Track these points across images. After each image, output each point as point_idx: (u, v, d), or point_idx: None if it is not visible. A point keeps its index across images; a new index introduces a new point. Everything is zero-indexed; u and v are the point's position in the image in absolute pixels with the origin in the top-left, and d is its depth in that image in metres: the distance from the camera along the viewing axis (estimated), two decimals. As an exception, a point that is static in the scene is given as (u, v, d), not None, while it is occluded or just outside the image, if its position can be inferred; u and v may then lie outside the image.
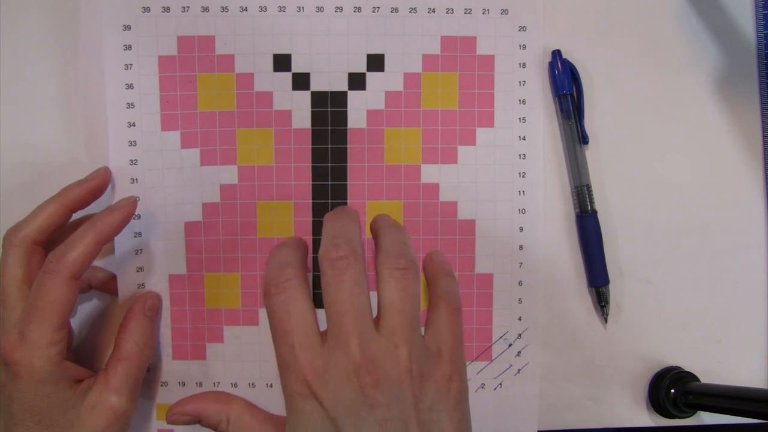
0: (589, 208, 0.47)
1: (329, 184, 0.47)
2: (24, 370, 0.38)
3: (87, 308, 0.46)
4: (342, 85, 0.47)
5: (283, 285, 0.37)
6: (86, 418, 0.40)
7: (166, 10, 0.45)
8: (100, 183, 0.44)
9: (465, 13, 0.47)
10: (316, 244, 0.47)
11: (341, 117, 0.47)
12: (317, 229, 0.47)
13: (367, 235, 0.45)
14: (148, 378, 0.46)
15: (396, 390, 0.36)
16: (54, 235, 0.43)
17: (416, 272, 0.38)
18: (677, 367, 0.48)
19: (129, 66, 0.45)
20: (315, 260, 0.47)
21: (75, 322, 0.47)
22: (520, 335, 0.48)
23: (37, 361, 0.39)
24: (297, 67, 0.46)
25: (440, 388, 0.37)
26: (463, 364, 0.40)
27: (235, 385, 0.47)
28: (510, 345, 0.48)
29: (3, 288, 0.41)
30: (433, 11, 0.46)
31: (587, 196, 0.47)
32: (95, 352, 0.47)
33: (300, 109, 0.47)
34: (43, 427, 0.39)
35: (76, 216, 0.44)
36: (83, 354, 0.47)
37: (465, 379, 0.40)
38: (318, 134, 0.47)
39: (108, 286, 0.47)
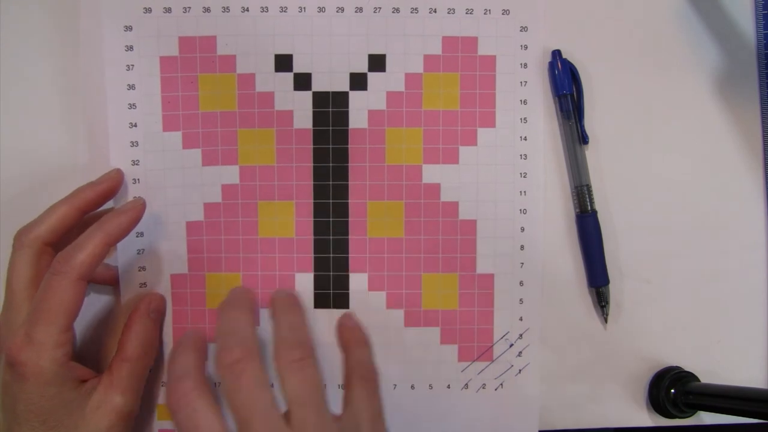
0: (589, 208, 0.47)
1: (330, 184, 0.47)
2: (30, 371, 0.38)
3: (90, 309, 0.47)
4: (343, 85, 0.47)
5: (183, 400, 0.37)
6: (91, 418, 0.40)
7: (168, 10, 0.45)
8: (112, 185, 0.45)
9: (466, 13, 0.47)
10: (317, 244, 0.47)
11: (343, 117, 0.47)
12: (319, 229, 0.47)
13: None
14: (149, 378, 0.46)
15: None
16: (65, 237, 0.43)
17: (313, 357, 0.38)
18: (677, 367, 0.48)
19: (130, 67, 0.45)
20: (316, 260, 0.47)
21: (78, 323, 0.46)
22: (521, 335, 0.48)
23: (44, 362, 0.39)
24: (298, 67, 0.46)
25: None
26: None
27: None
28: (511, 345, 0.48)
29: (11, 288, 0.41)
30: (435, 11, 0.47)
31: (587, 196, 0.47)
32: (98, 352, 0.47)
33: (301, 109, 0.47)
34: (48, 427, 0.39)
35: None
36: (86, 354, 0.47)
37: None
38: (319, 134, 0.47)
39: (106, 277, 0.47)
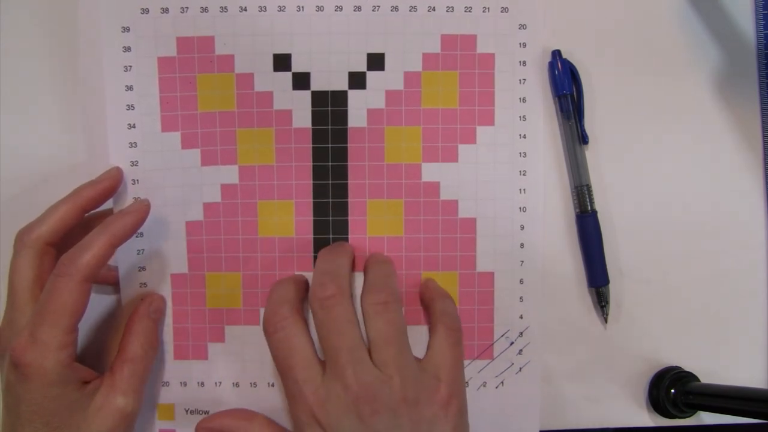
0: (589, 208, 0.47)
1: (330, 183, 0.47)
2: (34, 371, 0.38)
3: (90, 309, 0.46)
4: (342, 84, 0.47)
5: (280, 324, 0.41)
6: (93, 419, 0.41)
7: (165, 11, 0.45)
8: (112, 183, 0.45)
9: (465, 11, 0.46)
10: (317, 243, 0.47)
11: (342, 116, 0.47)
12: (318, 228, 0.47)
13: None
14: (149, 378, 0.46)
15: (394, 418, 0.38)
16: (66, 236, 0.43)
17: (398, 303, 0.41)
18: (677, 367, 0.48)
19: (128, 68, 0.45)
20: (316, 260, 0.47)
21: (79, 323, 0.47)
22: (521, 333, 0.48)
23: (48, 363, 0.39)
24: (297, 66, 0.46)
25: (437, 412, 0.40)
26: (462, 384, 0.43)
27: (237, 384, 0.47)
28: (512, 343, 0.48)
29: (13, 289, 0.42)
30: (434, 10, 0.46)
31: (587, 196, 0.47)
32: (99, 352, 0.47)
33: (300, 108, 0.46)
34: (51, 428, 0.39)
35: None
36: (87, 355, 0.47)
37: (464, 400, 0.42)
38: (318, 133, 0.47)
39: (106, 278, 0.47)
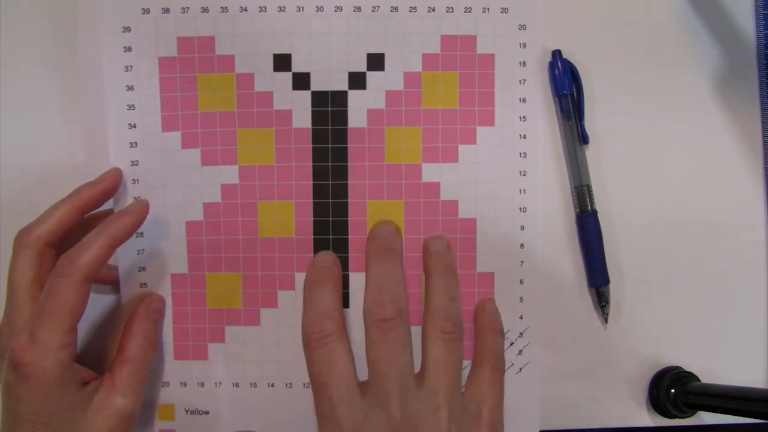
0: (589, 208, 0.47)
1: (330, 184, 0.47)
2: (33, 372, 0.38)
3: (90, 309, 0.46)
4: (342, 84, 0.47)
5: (324, 339, 0.39)
6: (93, 420, 0.41)
7: (166, 11, 0.45)
8: (112, 184, 0.45)
9: (465, 11, 0.46)
10: (317, 243, 0.47)
11: (342, 116, 0.47)
12: (318, 228, 0.47)
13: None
14: (149, 378, 0.46)
15: None
16: (65, 237, 0.43)
17: (462, 334, 0.41)
18: (677, 367, 0.48)
19: (129, 68, 0.45)
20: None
21: (78, 323, 0.47)
22: (521, 334, 0.48)
23: (47, 364, 0.38)
24: (297, 66, 0.46)
25: None
26: (502, 425, 0.42)
27: (237, 384, 0.47)
28: (511, 343, 0.48)
29: (13, 289, 0.42)
30: (433, 10, 0.46)
31: (587, 196, 0.47)
32: (99, 352, 0.47)
33: (300, 108, 0.47)
34: (51, 429, 0.39)
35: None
36: (87, 355, 0.47)
37: None
38: (318, 134, 0.47)
39: (106, 278, 0.47)
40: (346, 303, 0.47)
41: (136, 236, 0.46)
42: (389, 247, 0.44)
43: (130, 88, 0.45)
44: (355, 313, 0.47)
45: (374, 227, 0.46)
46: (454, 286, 0.43)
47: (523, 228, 0.47)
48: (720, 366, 0.49)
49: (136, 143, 0.46)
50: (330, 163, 0.47)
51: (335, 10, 0.46)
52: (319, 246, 0.47)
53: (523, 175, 0.47)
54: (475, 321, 0.46)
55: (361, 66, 0.47)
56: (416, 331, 0.47)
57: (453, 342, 0.40)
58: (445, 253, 0.45)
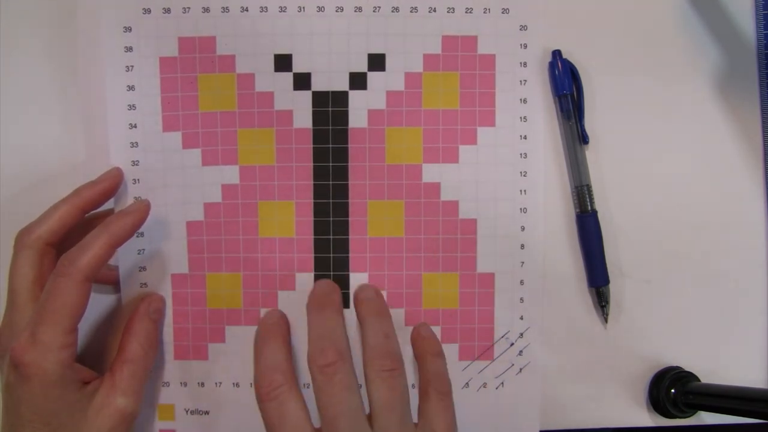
0: (589, 208, 0.47)
1: (330, 184, 0.47)
2: (34, 372, 0.38)
3: (91, 309, 0.46)
4: (343, 84, 0.47)
5: (275, 392, 0.39)
6: (93, 420, 0.41)
7: (167, 11, 0.45)
8: (112, 184, 0.45)
9: (466, 12, 0.46)
10: (317, 243, 0.47)
11: (342, 117, 0.47)
12: (319, 228, 0.47)
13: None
14: (149, 378, 0.46)
15: None
16: (66, 237, 0.43)
17: (402, 368, 0.41)
18: (677, 367, 0.48)
19: (130, 68, 0.45)
20: (317, 260, 0.47)
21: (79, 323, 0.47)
22: (521, 334, 0.48)
23: (48, 364, 0.38)
24: (298, 67, 0.46)
25: None
26: None
27: (237, 384, 0.47)
28: (512, 344, 0.48)
29: (14, 289, 0.42)
30: (434, 10, 0.46)
31: (587, 196, 0.47)
32: (99, 352, 0.47)
33: (301, 109, 0.47)
34: (51, 429, 0.39)
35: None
36: (87, 355, 0.47)
37: None
38: (319, 134, 0.47)
39: (106, 278, 0.47)
40: (346, 304, 0.47)
41: (137, 236, 0.46)
42: (325, 301, 0.44)
43: (130, 88, 0.45)
44: (355, 314, 0.47)
45: (314, 286, 0.46)
46: (387, 325, 0.44)
47: (523, 229, 0.47)
48: (720, 366, 0.49)
49: (136, 143, 0.46)
50: (331, 164, 0.47)
51: (336, 11, 0.46)
52: (319, 246, 0.47)
53: (524, 175, 0.47)
54: (414, 347, 0.46)
55: (362, 66, 0.47)
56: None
57: (394, 379, 0.40)
58: (374, 300, 0.46)
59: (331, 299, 0.44)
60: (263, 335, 0.43)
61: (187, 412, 0.48)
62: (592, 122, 0.48)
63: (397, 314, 0.47)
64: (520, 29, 0.47)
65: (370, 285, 0.47)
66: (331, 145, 0.47)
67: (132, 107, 0.46)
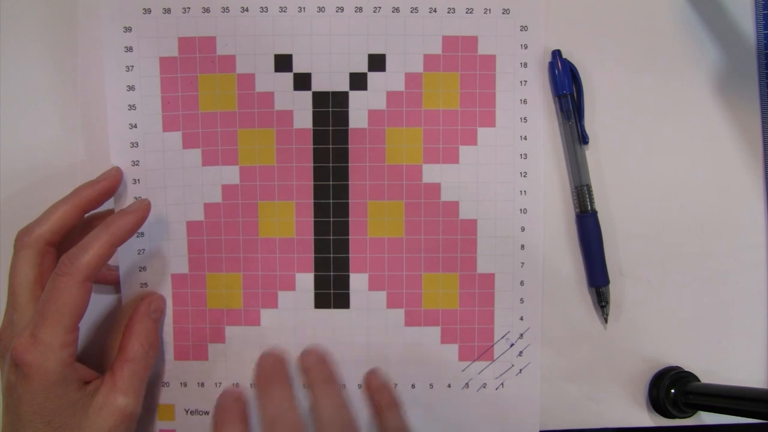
0: (589, 208, 0.47)
1: (331, 184, 0.47)
2: (36, 371, 0.38)
3: (91, 309, 0.46)
4: (343, 85, 0.47)
5: None
6: (94, 419, 0.41)
7: (167, 11, 0.45)
8: (112, 183, 0.45)
9: (466, 12, 0.47)
10: (317, 244, 0.47)
11: (343, 117, 0.47)
12: (319, 229, 0.47)
13: None
14: (149, 378, 0.46)
15: None
16: (66, 236, 0.43)
17: None
18: (677, 367, 0.48)
19: (130, 68, 0.45)
20: (317, 260, 0.47)
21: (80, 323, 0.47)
22: (521, 335, 0.48)
23: (49, 363, 0.38)
24: (298, 67, 0.46)
25: None
26: None
27: (237, 385, 0.47)
28: (512, 345, 0.48)
29: (14, 289, 0.42)
30: (435, 11, 0.46)
31: (587, 196, 0.47)
32: (100, 352, 0.47)
33: (301, 109, 0.47)
34: (52, 428, 0.39)
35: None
36: (88, 354, 0.47)
37: None
38: (319, 134, 0.47)
39: (107, 278, 0.47)
40: (346, 304, 0.47)
41: (137, 236, 0.46)
42: (272, 376, 0.42)
43: (131, 88, 0.46)
44: (355, 315, 0.47)
45: (258, 359, 0.44)
46: (337, 393, 0.42)
47: (523, 229, 0.48)
48: (720, 366, 0.49)
49: (137, 143, 0.46)
50: (331, 164, 0.47)
51: (336, 11, 0.46)
52: (319, 246, 0.47)
53: (524, 176, 0.47)
54: (370, 399, 0.45)
55: (362, 67, 0.47)
56: (419, 332, 0.47)
57: None
58: (319, 365, 0.44)
59: (278, 373, 0.43)
60: (221, 420, 0.41)
61: (187, 412, 0.48)
62: (592, 122, 0.48)
63: (397, 315, 0.47)
64: (521, 30, 0.47)
65: (314, 350, 0.45)
66: (331, 146, 0.47)
67: (132, 107, 0.46)
